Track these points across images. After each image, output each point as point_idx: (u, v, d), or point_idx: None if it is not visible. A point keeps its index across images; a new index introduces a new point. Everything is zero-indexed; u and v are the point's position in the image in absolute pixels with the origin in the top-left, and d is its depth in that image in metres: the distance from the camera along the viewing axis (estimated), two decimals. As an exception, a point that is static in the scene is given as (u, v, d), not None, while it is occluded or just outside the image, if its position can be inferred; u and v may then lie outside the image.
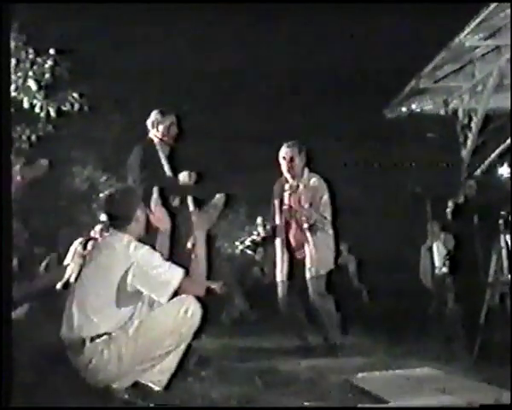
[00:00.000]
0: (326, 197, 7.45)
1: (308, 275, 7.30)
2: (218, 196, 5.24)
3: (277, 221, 7.58)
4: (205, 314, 4.66)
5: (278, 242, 7.57)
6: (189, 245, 4.88)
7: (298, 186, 7.48)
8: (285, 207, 7.46)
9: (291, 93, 15.08)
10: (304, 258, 7.38)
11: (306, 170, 7.54)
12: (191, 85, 13.26)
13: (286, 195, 7.55)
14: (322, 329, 7.45)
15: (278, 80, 14.76)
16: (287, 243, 7.51)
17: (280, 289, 7.58)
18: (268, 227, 7.74)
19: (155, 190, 6.41)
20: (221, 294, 5.94)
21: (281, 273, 7.54)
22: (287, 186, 7.58)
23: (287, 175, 7.54)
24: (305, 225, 7.31)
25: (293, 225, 7.47)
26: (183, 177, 6.78)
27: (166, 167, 6.97)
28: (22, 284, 6.06)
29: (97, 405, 4.26)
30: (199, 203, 5.98)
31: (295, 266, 7.49)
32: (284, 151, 7.52)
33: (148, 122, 7.16)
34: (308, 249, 7.34)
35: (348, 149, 15.48)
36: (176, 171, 7.02)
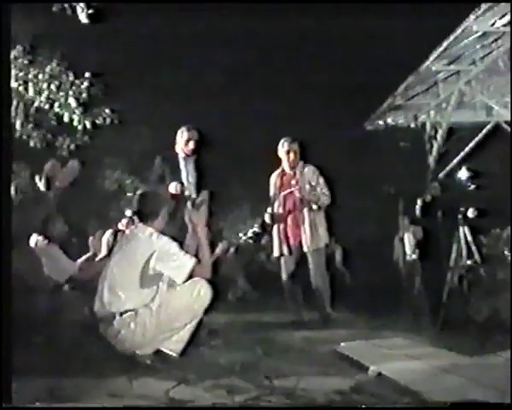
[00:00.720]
0: (321, 177, 7.46)
1: (307, 249, 7.28)
2: (203, 192, 5.33)
3: (277, 210, 7.53)
4: (214, 294, 4.69)
5: (276, 228, 7.53)
6: (197, 246, 4.91)
7: (295, 174, 7.45)
8: (296, 191, 7.39)
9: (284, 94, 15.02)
10: (301, 240, 7.36)
11: (301, 161, 7.53)
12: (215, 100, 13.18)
13: (285, 184, 7.51)
14: (316, 304, 7.42)
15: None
16: (285, 228, 7.48)
17: (283, 267, 7.56)
18: (267, 218, 7.67)
19: (205, 194, 6.40)
20: (223, 258, 5.97)
21: (280, 251, 7.50)
22: (285, 177, 7.55)
23: (286, 167, 7.52)
24: (314, 207, 7.30)
25: (293, 211, 7.43)
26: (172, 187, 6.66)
27: (183, 176, 6.86)
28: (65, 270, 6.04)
29: (124, 368, 4.26)
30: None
31: (294, 247, 7.46)
32: (287, 146, 7.50)
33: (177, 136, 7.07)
34: (307, 227, 7.31)
35: (334, 155, 15.45)
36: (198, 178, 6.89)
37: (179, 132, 6.86)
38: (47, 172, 6.58)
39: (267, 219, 7.60)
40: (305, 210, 7.31)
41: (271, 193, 7.66)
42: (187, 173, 6.82)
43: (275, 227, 7.53)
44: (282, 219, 7.48)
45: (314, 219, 7.36)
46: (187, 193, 6.55)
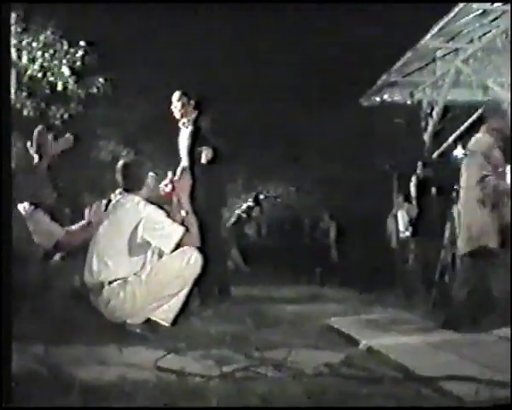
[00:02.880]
0: None
1: None
2: (185, 166, 5.32)
3: None
4: (206, 264, 4.68)
5: None
6: (183, 213, 4.88)
7: None
8: None
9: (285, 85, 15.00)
10: None
11: None
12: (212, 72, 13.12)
13: None
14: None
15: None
16: None
17: None
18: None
19: (184, 159, 6.35)
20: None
21: None
22: None
23: None
24: None
25: None
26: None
27: (181, 145, 6.76)
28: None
29: (114, 337, 4.26)
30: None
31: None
32: None
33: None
34: None
35: (328, 131, 15.44)
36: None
37: (175, 95, 6.73)
38: (37, 140, 6.52)
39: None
40: None
41: None
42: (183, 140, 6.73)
43: None
44: None
45: None
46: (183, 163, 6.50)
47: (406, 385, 3.34)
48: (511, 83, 10.95)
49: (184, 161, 6.53)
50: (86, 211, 5.75)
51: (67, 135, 6.83)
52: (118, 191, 5.05)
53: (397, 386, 3.30)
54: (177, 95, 6.65)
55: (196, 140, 6.50)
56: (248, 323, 5.20)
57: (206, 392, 3.11)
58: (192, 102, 6.63)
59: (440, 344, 4.42)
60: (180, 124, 6.72)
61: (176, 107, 6.66)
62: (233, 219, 15.03)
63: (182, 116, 6.67)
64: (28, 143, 5.91)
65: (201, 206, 5.68)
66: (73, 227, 5.71)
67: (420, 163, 10.21)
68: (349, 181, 15.91)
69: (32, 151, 6.20)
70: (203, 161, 6.20)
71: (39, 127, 5.80)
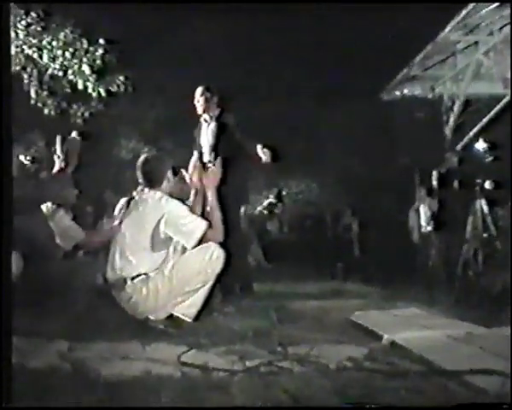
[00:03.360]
0: None
1: None
2: (218, 159, 5.28)
3: None
4: (228, 260, 4.68)
5: None
6: (207, 208, 4.88)
7: None
8: None
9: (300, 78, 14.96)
10: None
11: None
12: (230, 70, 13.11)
13: None
14: None
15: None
16: None
17: None
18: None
19: (195, 153, 6.33)
20: None
21: None
22: None
23: None
24: None
25: None
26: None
27: (203, 141, 6.71)
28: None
29: (137, 333, 4.27)
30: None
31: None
32: None
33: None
34: None
35: (349, 126, 15.39)
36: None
37: (198, 90, 6.70)
38: (65, 146, 6.57)
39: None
40: None
41: None
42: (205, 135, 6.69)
43: None
44: None
45: None
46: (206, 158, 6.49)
47: (431, 379, 3.33)
48: (511, 80, 10.91)
49: (207, 157, 6.51)
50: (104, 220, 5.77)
51: (73, 134, 6.88)
52: (139, 188, 5.06)
53: (421, 380, 3.29)
54: (200, 90, 6.63)
55: (220, 136, 6.50)
56: (271, 318, 5.20)
57: (230, 386, 3.11)
58: (215, 97, 6.61)
59: (463, 337, 4.39)
60: (202, 119, 6.70)
61: (198, 101, 6.63)
62: (256, 214, 15.07)
63: (204, 111, 6.64)
64: (53, 149, 5.96)
65: (223, 202, 5.69)
66: (93, 231, 5.76)
67: (442, 156, 10.20)
68: (370, 176, 15.85)
69: (58, 159, 6.26)
70: (264, 160, 6.22)
71: (70, 136, 5.81)
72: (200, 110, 6.63)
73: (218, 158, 5.32)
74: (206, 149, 6.59)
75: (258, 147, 6.22)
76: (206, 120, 6.64)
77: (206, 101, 6.56)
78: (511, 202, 9.61)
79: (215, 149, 6.48)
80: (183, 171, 5.32)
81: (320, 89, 14.81)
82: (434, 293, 7.11)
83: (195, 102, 6.64)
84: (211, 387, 3.13)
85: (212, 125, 6.57)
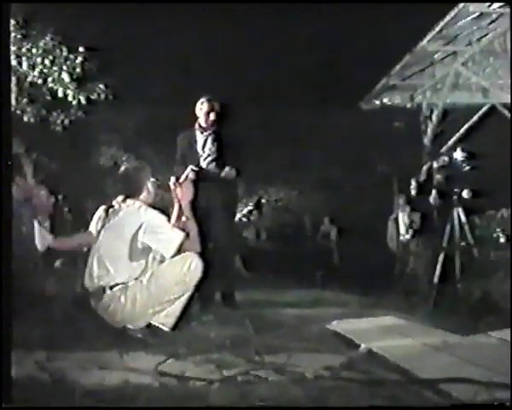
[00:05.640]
0: None
1: None
2: (189, 170, 5.33)
3: None
4: (206, 270, 4.69)
5: None
6: (183, 218, 4.90)
7: None
8: None
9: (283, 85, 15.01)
10: None
11: None
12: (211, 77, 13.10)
13: None
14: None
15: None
16: None
17: None
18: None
19: (189, 168, 6.27)
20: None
21: None
22: None
23: None
24: None
25: None
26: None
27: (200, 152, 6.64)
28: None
29: (115, 342, 4.27)
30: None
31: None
32: None
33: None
34: None
35: (328, 135, 15.45)
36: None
37: (198, 104, 6.66)
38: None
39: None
40: None
41: None
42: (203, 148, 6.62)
43: None
44: None
45: None
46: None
47: (407, 388, 3.35)
48: (511, 84, 10.98)
49: (204, 165, 6.44)
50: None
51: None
52: (119, 198, 5.06)
53: (398, 388, 3.31)
54: (201, 100, 6.59)
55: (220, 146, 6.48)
56: (249, 327, 5.20)
57: (207, 396, 3.12)
58: (216, 108, 6.58)
59: (440, 346, 4.42)
60: (197, 128, 6.61)
61: (201, 109, 6.57)
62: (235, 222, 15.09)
63: (204, 122, 6.58)
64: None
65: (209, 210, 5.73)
66: (65, 237, 5.76)
67: (421, 165, 10.27)
68: (350, 185, 15.93)
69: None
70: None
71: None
72: (202, 122, 6.55)
73: (191, 173, 5.36)
74: (202, 159, 6.51)
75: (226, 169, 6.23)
76: (202, 131, 6.57)
77: (207, 111, 6.52)
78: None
79: (217, 159, 6.46)
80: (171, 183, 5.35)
81: (300, 98, 14.87)
82: (412, 301, 7.16)
83: (197, 111, 6.58)
84: (188, 396, 3.13)
85: (207, 134, 6.52)
